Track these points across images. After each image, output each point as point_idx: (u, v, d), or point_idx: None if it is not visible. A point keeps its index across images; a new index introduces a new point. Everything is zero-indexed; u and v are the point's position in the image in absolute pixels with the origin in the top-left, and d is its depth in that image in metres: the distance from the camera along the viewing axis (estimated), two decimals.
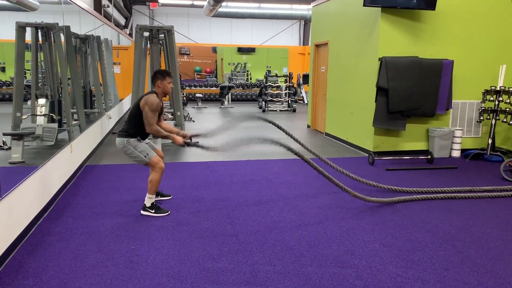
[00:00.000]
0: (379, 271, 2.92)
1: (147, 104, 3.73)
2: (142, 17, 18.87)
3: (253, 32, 20.21)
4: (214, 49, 19.63)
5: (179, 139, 3.93)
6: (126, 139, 3.84)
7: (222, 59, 18.55)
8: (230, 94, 14.85)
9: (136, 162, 3.93)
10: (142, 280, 2.75)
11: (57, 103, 6.04)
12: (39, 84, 5.99)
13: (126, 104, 12.14)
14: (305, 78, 15.08)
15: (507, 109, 6.13)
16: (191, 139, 4.30)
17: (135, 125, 3.86)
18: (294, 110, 13.07)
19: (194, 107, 13.97)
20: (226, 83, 15.27)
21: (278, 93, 13.64)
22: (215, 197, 4.54)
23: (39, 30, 5.69)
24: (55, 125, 5.60)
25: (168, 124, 4.25)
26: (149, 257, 3.08)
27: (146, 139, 4.04)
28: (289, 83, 13.52)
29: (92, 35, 8.01)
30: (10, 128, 5.24)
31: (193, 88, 16.35)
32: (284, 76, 14.18)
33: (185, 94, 13.80)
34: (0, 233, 2.94)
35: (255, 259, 3.07)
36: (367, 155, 6.58)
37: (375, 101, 6.40)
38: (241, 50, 18.09)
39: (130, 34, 15.96)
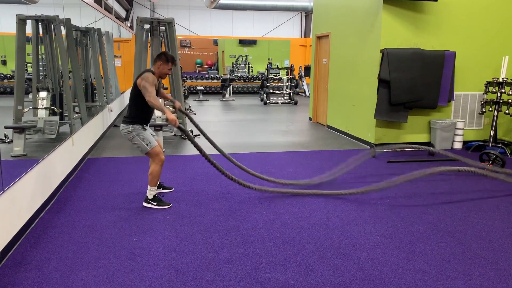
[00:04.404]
0: (380, 263, 2.93)
1: (143, 79, 3.76)
2: (142, 9, 18.75)
3: (254, 24, 20.07)
4: (215, 42, 19.54)
5: (174, 120, 3.76)
6: (131, 125, 3.87)
7: (223, 51, 18.49)
8: (231, 86, 14.82)
9: (137, 149, 3.97)
10: (144, 272, 2.77)
11: (58, 96, 6.03)
12: (40, 77, 5.98)
13: (127, 97, 12.11)
14: (307, 70, 15.01)
15: (510, 101, 6.10)
16: (186, 110, 4.30)
17: (135, 105, 3.90)
18: (295, 103, 13.03)
19: (195, 100, 13.96)
20: (228, 76, 15.21)
21: (280, 85, 13.60)
22: (216, 189, 4.55)
23: (40, 23, 5.66)
24: (57, 118, 5.60)
25: (167, 94, 4.28)
26: (151, 249, 3.10)
27: (149, 129, 4.05)
28: (290, 75, 13.48)
29: (93, 27, 7.99)
30: (12, 121, 5.24)
31: (194, 80, 16.32)
32: (286, 68, 14.12)
33: (186, 87, 13.78)
34: (2, 226, 2.96)
35: (256, 251, 3.08)
36: (368, 147, 6.56)
37: (377, 93, 6.38)
38: (242, 42, 18.01)
39: (131, 27, 15.88)
